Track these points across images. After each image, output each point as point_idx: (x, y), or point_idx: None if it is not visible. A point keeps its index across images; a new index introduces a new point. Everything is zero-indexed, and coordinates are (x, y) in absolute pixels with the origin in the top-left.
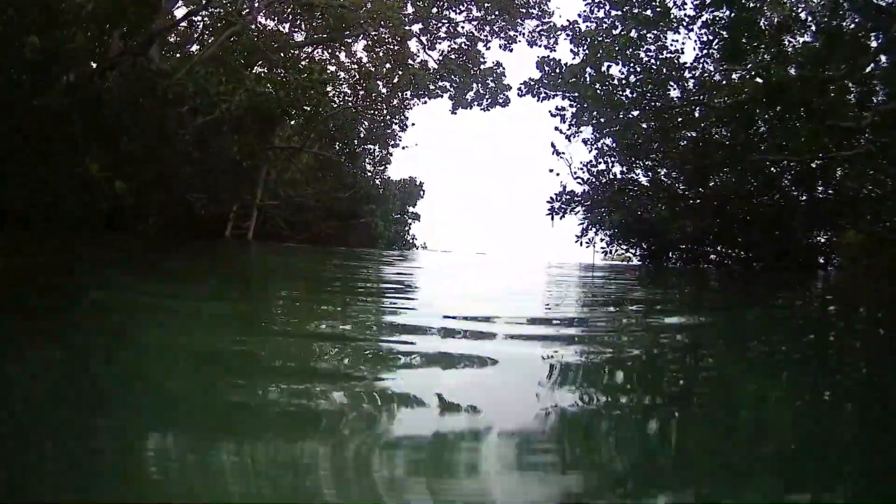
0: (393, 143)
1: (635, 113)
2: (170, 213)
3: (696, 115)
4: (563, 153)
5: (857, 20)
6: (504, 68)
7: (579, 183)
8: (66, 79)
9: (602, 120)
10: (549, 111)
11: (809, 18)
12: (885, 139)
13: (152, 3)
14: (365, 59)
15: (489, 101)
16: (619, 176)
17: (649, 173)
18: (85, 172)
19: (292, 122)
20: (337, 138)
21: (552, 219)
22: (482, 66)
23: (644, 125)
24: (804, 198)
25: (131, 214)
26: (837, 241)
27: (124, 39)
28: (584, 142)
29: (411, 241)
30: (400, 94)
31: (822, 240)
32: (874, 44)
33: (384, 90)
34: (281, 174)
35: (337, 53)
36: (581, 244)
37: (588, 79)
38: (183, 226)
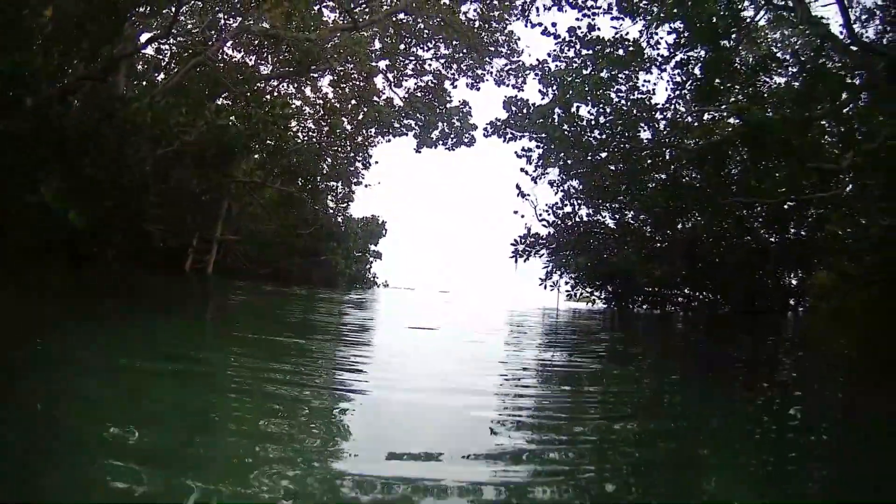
0: (356, 180)
1: (603, 155)
2: (130, 245)
3: (667, 157)
4: (529, 195)
5: (837, 59)
6: (470, 107)
7: (544, 225)
8: (26, 102)
9: (569, 161)
10: (515, 152)
11: (789, 57)
12: (868, 180)
13: (114, 25)
14: (330, 95)
15: (454, 140)
16: (584, 218)
17: (616, 216)
18: (40, 200)
19: (255, 157)
20: (299, 174)
21: (515, 261)
22: (448, 105)
23: (612, 167)
24: (775, 239)
25: (91, 245)
26: (810, 283)
27: (85, 63)
28: (551, 183)
29: (372, 279)
30: (364, 132)
31: (794, 281)
32: (857, 81)
33: (348, 127)
34: (243, 208)
35: (303, 88)
36: (545, 287)
37: (556, 119)
38: (143, 258)
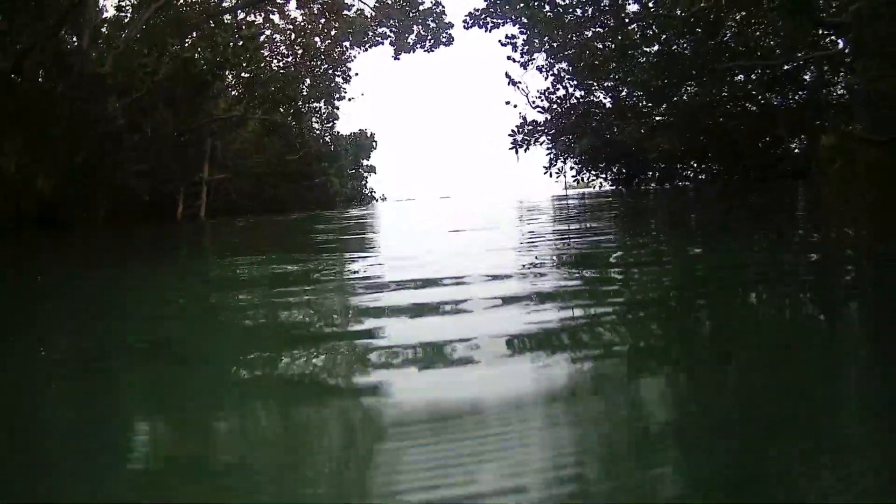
0: (338, 95)
1: (589, 33)
2: (111, 203)
3: (655, 29)
4: (520, 83)
5: None
6: (443, 6)
7: (539, 112)
8: None
9: (555, 44)
10: (499, 41)
11: None
12: (865, 34)
13: None
14: (300, 18)
15: (432, 42)
16: (579, 100)
17: (611, 95)
18: (2, 169)
19: (232, 92)
20: (280, 101)
21: (516, 152)
22: (421, 7)
23: (600, 45)
24: (777, 103)
25: (67, 209)
26: (815, 147)
27: (33, 22)
28: (539, 69)
29: (370, 194)
30: (339, 47)
31: (800, 147)
32: None
33: (322, 45)
34: (227, 146)
35: (270, 16)
36: (550, 175)
37: (534, 3)
38: (131, 214)
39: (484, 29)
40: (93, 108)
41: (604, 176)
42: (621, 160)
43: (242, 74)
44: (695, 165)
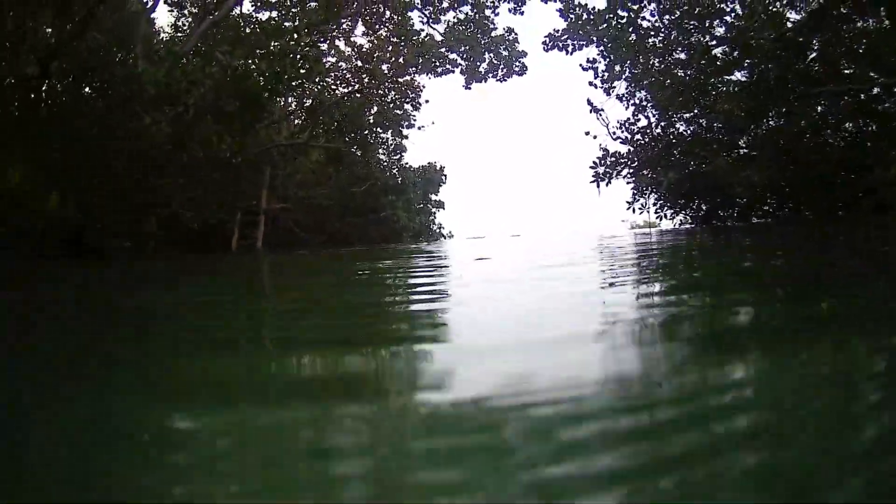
0: (407, 123)
1: (671, 59)
2: (142, 229)
3: (739, 54)
4: (602, 110)
5: None
6: (516, 34)
7: (621, 143)
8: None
9: (636, 71)
10: (580, 65)
11: None
12: None
13: None
14: (366, 45)
15: (504, 71)
16: (660, 131)
17: (691, 126)
18: (6, 184)
19: (295, 121)
20: (345, 128)
21: (598, 185)
22: (493, 34)
23: (681, 72)
24: (873, 129)
25: (94, 236)
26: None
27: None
28: (620, 98)
29: (437, 230)
30: (407, 73)
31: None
32: None
33: (389, 71)
34: (290, 174)
35: (336, 42)
36: (633, 210)
37: (618, 24)
38: (176, 243)
39: (564, 52)
40: (128, 120)
41: (685, 212)
42: (703, 195)
43: (304, 101)
44: (775, 200)
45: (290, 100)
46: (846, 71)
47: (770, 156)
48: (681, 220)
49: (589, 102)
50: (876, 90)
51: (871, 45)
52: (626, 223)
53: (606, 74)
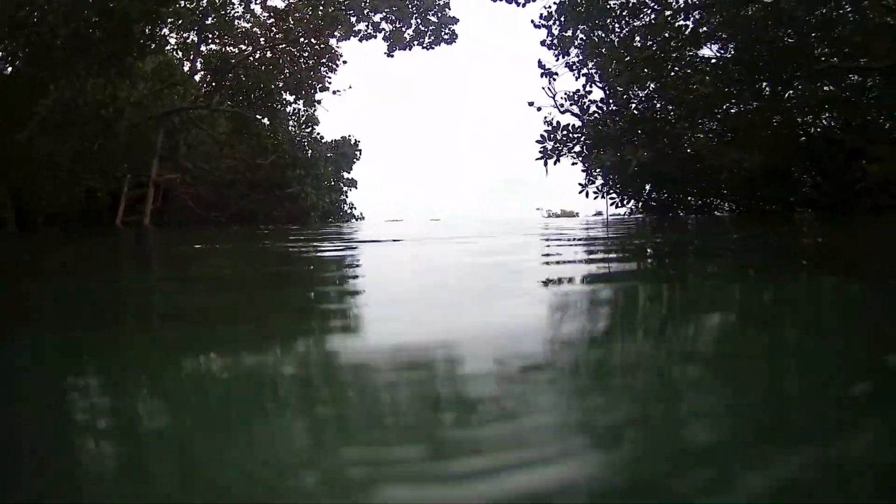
0: (320, 86)
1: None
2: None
3: (715, 24)
4: (555, 75)
5: None
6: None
7: (573, 116)
8: None
9: (592, 37)
10: (532, 20)
11: None
12: None
13: None
14: (280, 3)
15: (431, 38)
16: (619, 106)
17: (649, 103)
18: None
19: (195, 77)
20: (253, 95)
21: (545, 164)
22: None
23: (640, 42)
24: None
25: None
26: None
27: None
28: (569, 66)
29: (349, 211)
30: (323, 36)
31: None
32: None
33: (305, 33)
34: (193, 145)
35: (252, 5)
36: (587, 195)
37: None
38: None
39: (515, 4)
40: None
41: (642, 199)
42: (668, 182)
43: (211, 62)
44: (767, 191)
45: (197, 65)
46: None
47: (758, 139)
48: (631, 209)
49: (540, 65)
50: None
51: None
52: (540, 210)
53: (559, 36)
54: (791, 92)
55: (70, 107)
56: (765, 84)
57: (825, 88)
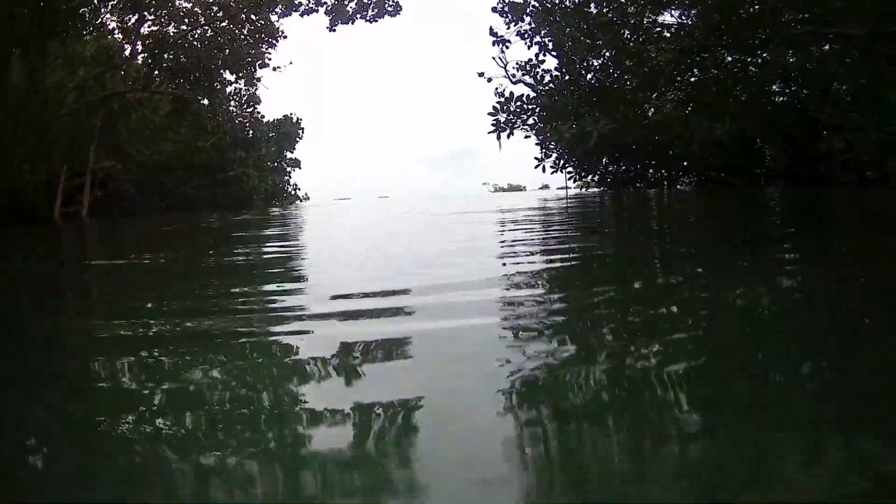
0: (260, 62)
1: None
2: None
3: None
4: (507, 42)
5: None
6: None
7: (526, 86)
8: None
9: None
10: None
11: None
12: None
13: None
14: None
15: (375, 11)
16: (575, 75)
17: (604, 73)
18: None
19: (136, 60)
20: (190, 74)
21: (498, 137)
22: None
23: (594, 7)
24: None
25: None
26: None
27: None
28: (521, 35)
29: (293, 192)
30: (264, 11)
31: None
32: None
33: (244, 8)
34: (134, 130)
35: None
36: (544, 169)
37: None
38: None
39: None
40: None
41: (601, 173)
42: (632, 155)
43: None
44: (736, 161)
45: (138, 47)
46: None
47: (726, 107)
48: (587, 184)
49: (492, 32)
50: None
51: None
52: (486, 185)
53: (510, 2)
54: (759, 60)
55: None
56: (725, 52)
57: (791, 59)
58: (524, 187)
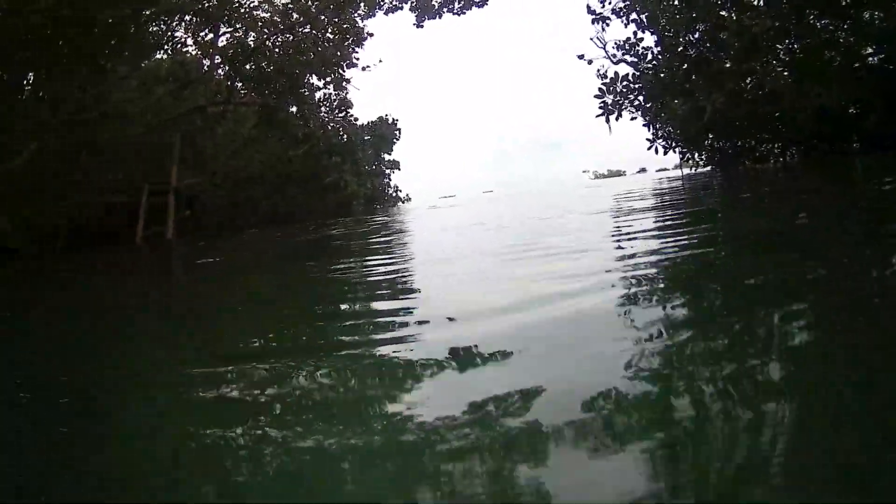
0: (347, 62)
1: None
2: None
3: None
4: (607, 20)
5: None
6: None
7: (627, 66)
8: None
9: None
10: None
11: None
12: None
13: None
14: None
15: (461, 3)
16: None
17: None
18: None
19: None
20: (276, 81)
21: (607, 120)
22: None
23: None
24: None
25: None
26: None
27: None
28: (616, 13)
29: (394, 194)
30: (346, 12)
31: None
32: None
33: (326, 11)
34: (220, 145)
35: None
36: (657, 151)
37: None
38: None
39: None
40: None
41: (710, 153)
42: (740, 130)
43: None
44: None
45: (216, 60)
46: None
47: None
48: (697, 164)
49: (590, 10)
50: None
51: None
52: (587, 173)
53: None
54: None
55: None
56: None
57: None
58: (624, 172)
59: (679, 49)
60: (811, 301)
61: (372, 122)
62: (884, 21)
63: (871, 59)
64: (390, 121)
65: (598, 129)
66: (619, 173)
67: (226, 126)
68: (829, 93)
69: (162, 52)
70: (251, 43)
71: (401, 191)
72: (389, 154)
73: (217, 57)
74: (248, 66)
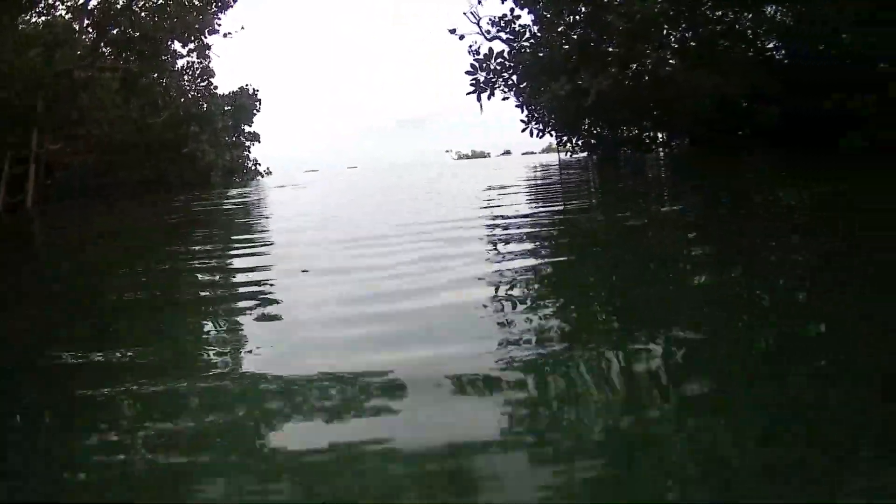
0: (210, 28)
1: None
2: None
3: None
4: None
5: None
6: None
7: (501, 43)
8: None
9: None
10: None
11: None
12: None
13: None
14: None
15: None
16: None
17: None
18: None
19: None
20: (140, 45)
21: (479, 99)
22: None
23: None
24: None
25: None
26: None
27: None
28: None
29: (253, 167)
30: None
31: None
32: None
33: None
34: (88, 109)
35: None
36: (532, 133)
37: None
38: None
39: None
40: None
41: (583, 140)
42: (623, 116)
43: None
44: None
45: (85, 23)
46: None
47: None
48: (573, 149)
49: None
50: None
51: None
52: (449, 153)
53: None
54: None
55: None
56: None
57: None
58: (488, 153)
59: (560, 28)
60: None
61: (233, 91)
62: (786, 15)
63: (774, 53)
64: (251, 91)
65: (466, 108)
66: (483, 154)
67: (90, 91)
68: (726, 83)
69: (34, 13)
70: (118, 5)
71: (260, 164)
72: (250, 126)
73: (85, 20)
74: (114, 31)
